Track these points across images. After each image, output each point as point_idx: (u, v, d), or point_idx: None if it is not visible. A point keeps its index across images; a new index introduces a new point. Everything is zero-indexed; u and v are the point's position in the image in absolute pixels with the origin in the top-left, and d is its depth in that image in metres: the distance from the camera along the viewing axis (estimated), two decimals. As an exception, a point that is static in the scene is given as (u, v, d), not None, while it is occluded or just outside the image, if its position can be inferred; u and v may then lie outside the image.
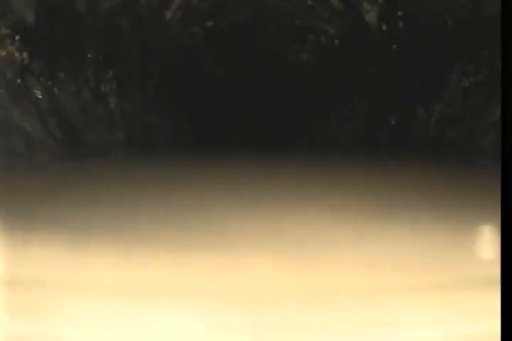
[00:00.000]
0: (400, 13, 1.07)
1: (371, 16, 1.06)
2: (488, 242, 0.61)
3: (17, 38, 1.05)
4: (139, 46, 1.11)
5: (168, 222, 0.76)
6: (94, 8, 1.09)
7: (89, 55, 1.08)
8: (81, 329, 0.49)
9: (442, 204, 0.79)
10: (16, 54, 1.05)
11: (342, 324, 0.48)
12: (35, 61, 1.06)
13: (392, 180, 0.92)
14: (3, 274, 0.57)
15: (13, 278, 0.57)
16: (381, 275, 0.58)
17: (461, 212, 0.76)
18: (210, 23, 1.09)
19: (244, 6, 1.15)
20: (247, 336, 0.48)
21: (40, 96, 1.04)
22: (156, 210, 0.78)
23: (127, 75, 1.12)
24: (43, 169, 1.06)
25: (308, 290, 0.54)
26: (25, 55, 1.06)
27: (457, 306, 0.51)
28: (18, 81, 1.05)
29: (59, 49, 1.09)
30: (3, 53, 1.06)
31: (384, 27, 1.07)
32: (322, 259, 0.62)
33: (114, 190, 0.88)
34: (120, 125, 1.12)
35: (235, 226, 0.75)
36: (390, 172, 0.96)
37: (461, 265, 0.60)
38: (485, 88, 1.05)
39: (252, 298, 0.52)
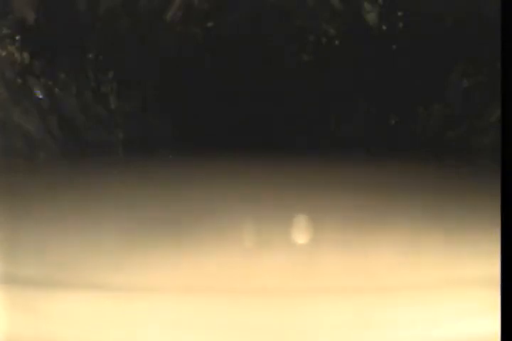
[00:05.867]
0: (399, 13, 1.07)
1: (371, 16, 1.07)
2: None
3: (17, 38, 1.05)
4: (139, 46, 1.12)
5: (169, 221, 0.76)
6: (94, 8, 1.10)
7: (89, 55, 1.08)
8: (82, 329, 0.49)
9: (442, 203, 0.80)
10: (16, 54, 1.05)
11: (342, 323, 0.49)
12: (35, 61, 1.06)
13: (392, 180, 0.92)
14: (3, 274, 0.57)
15: (13, 278, 0.57)
16: (381, 274, 0.58)
17: (461, 211, 0.76)
18: (210, 24, 1.09)
19: (244, 6, 1.15)
20: (248, 335, 0.48)
21: (40, 96, 1.04)
22: (156, 210, 0.79)
23: (127, 75, 1.12)
24: (43, 169, 1.06)
25: (306, 290, 0.54)
26: (25, 55, 1.06)
27: (457, 306, 0.51)
28: (19, 81, 1.05)
29: (59, 49, 1.09)
30: (4, 53, 1.06)
31: (384, 27, 1.07)
32: (321, 258, 0.62)
33: (114, 190, 0.88)
34: (120, 125, 1.12)
35: (235, 225, 0.75)
36: (390, 172, 0.97)
37: (461, 265, 0.60)
38: (485, 88, 1.05)
39: (252, 297, 0.52)
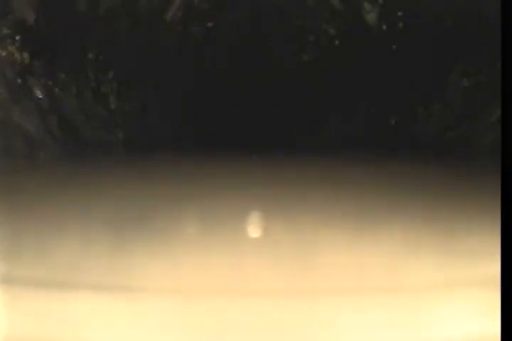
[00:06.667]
0: (399, 13, 1.07)
1: (371, 16, 1.07)
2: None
3: (17, 38, 1.05)
4: (139, 46, 1.12)
5: (168, 221, 0.76)
6: (94, 8, 1.10)
7: (89, 55, 1.09)
8: (82, 329, 0.49)
9: (442, 203, 0.80)
10: (16, 54, 1.06)
11: (340, 324, 0.48)
12: (35, 61, 1.06)
13: (392, 180, 0.92)
14: (2, 274, 0.57)
15: (12, 278, 0.57)
16: (380, 275, 0.58)
17: (461, 211, 0.76)
18: (210, 24, 1.09)
19: (244, 6, 1.15)
20: (245, 336, 0.48)
21: (40, 96, 1.05)
22: (156, 210, 0.79)
23: (127, 75, 1.13)
24: (43, 169, 1.06)
25: (306, 291, 0.54)
26: (25, 55, 1.06)
27: (456, 306, 0.51)
28: (19, 81, 1.05)
29: (59, 49, 1.10)
30: (4, 53, 1.06)
31: (384, 27, 1.08)
32: (321, 259, 0.62)
33: (114, 190, 0.88)
34: (120, 125, 1.12)
35: (235, 225, 0.75)
36: (390, 172, 0.97)
37: (461, 265, 0.60)
38: (485, 88, 1.05)
39: (249, 298, 0.52)
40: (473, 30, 1.04)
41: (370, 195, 0.83)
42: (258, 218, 0.76)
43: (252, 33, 1.11)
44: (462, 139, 1.06)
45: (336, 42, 1.09)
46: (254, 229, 0.72)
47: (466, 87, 1.05)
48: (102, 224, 0.70)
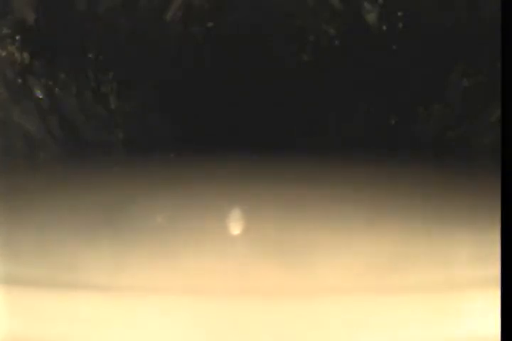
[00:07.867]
0: (399, 13, 1.07)
1: (371, 16, 1.06)
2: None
3: (17, 38, 1.05)
4: (139, 46, 1.12)
5: (168, 221, 0.76)
6: (94, 8, 1.09)
7: (89, 55, 1.08)
8: (82, 329, 0.49)
9: (441, 203, 0.80)
10: (16, 54, 1.05)
11: (339, 324, 0.48)
12: (35, 61, 1.06)
13: (392, 180, 0.92)
14: (2, 274, 0.57)
15: (13, 278, 0.57)
16: (379, 275, 0.58)
17: (461, 211, 0.76)
18: (210, 24, 1.09)
19: (244, 6, 1.15)
20: (242, 336, 0.48)
21: (40, 96, 1.04)
22: (156, 210, 0.79)
23: (127, 75, 1.12)
24: (43, 169, 1.06)
25: (306, 291, 0.54)
26: (25, 55, 1.06)
27: (456, 306, 0.51)
28: (19, 81, 1.05)
29: (59, 49, 1.09)
30: (4, 53, 1.06)
31: (384, 27, 1.07)
32: (320, 259, 0.62)
33: (114, 190, 0.88)
34: (120, 125, 1.12)
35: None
36: (390, 172, 0.97)
37: (461, 265, 0.60)
38: (485, 88, 1.05)
39: (247, 298, 0.52)
40: (473, 30, 1.04)
41: (370, 195, 0.83)
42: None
43: (252, 33, 1.11)
44: (462, 139, 1.06)
45: (336, 42, 1.09)
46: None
47: (466, 87, 1.05)
48: (102, 224, 0.70)
